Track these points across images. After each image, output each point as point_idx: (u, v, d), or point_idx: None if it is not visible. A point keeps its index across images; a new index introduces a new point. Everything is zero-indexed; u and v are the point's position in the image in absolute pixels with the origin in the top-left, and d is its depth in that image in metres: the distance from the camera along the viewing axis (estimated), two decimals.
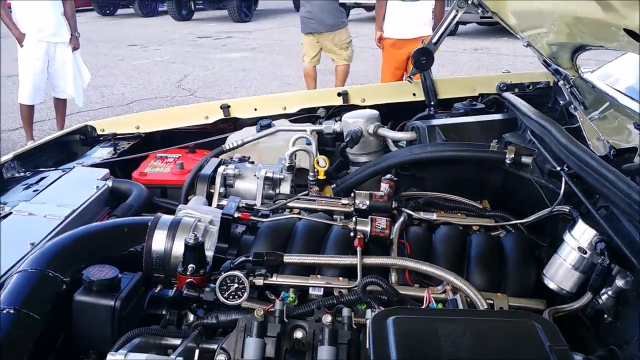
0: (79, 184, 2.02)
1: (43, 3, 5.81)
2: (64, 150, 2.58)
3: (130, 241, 1.52)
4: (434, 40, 2.60)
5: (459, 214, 1.74)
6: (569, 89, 2.08)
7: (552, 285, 1.40)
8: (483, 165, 1.93)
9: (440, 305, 1.35)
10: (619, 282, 1.23)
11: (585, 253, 1.34)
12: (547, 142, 1.72)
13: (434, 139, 2.06)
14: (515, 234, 1.64)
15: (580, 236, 1.36)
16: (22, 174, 2.21)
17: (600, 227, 1.34)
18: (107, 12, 18.41)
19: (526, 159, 1.81)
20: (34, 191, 1.97)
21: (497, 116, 2.31)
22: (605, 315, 1.27)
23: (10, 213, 1.77)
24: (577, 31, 1.76)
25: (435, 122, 2.18)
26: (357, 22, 15.08)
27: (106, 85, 9.04)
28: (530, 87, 2.58)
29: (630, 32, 1.31)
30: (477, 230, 1.70)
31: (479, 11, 2.41)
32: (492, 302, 1.38)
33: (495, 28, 12.85)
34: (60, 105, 6.37)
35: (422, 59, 2.56)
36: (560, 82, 2.20)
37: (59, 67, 6.04)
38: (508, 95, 2.34)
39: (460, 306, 1.29)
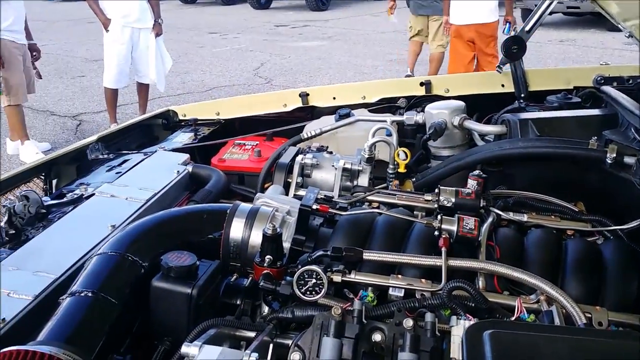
0: (161, 168, 2.03)
1: None
2: (147, 133, 2.63)
3: (208, 228, 1.50)
4: (527, 28, 2.44)
5: (553, 217, 1.61)
6: None
7: None
8: (580, 164, 1.78)
9: (532, 317, 1.24)
10: None
11: None
12: None
13: (526, 133, 1.92)
14: (616, 241, 1.50)
15: None
16: (105, 155, 2.26)
17: None
18: (189, 0, 18.89)
19: (629, 159, 1.65)
20: (116, 173, 2.00)
21: (595, 111, 2.13)
22: None
23: (93, 194, 1.80)
24: None
25: (527, 115, 2.04)
26: None
27: (187, 72, 9.27)
28: (630, 81, 2.37)
29: None
30: (572, 235, 1.57)
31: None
32: (590, 316, 1.26)
33: (582, 19, 12.19)
34: (143, 90, 6.58)
35: (514, 47, 2.42)
36: None
37: (143, 53, 6.24)
38: (607, 88, 2.16)
39: (557, 319, 1.18)
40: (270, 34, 13.00)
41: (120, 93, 6.52)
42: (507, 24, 5.72)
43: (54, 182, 2.19)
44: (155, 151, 2.24)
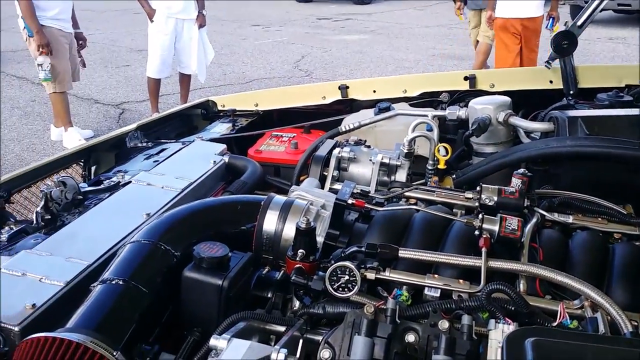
0: (197, 157, 2.02)
1: None
2: (186, 123, 2.64)
3: (242, 219, 1.48)
4: (579, 23, 2.34)
5: (599, 219, 1.53)
6: None
7: None
8: (630, 165, 1.69)
9: (575, 323, 1.18)
10: None
11: None
12: None
13: (575, 132, 1.83)
14: None
15: None
16: (144, 144, 2.27)
17: None
18: None
19: None
20: (154, 162, 2.00)
21: None
22: None
23: (130, 182, 1.80)
24: None
25: (576, 113, 1.94)
26: None
27: (228, 64, 9.32)
28: None
29: None
30: (619, 239, 1.49)
31: None
32: (637, 324, 1.18)
33: (633, 17, 11.74)
34: (185, 80, 6.65)
35: (564, 43, 2.32)
36: None
37: (186, 44, 6.30)
38: None
39: (602, 326, 1.11)
40: (312, 27, 12.97)
41: (162, 83, 6.60)
42: (551, 19, 5.70)
43: (93, 168, 2.22)
44: (193, 141, 2.24)
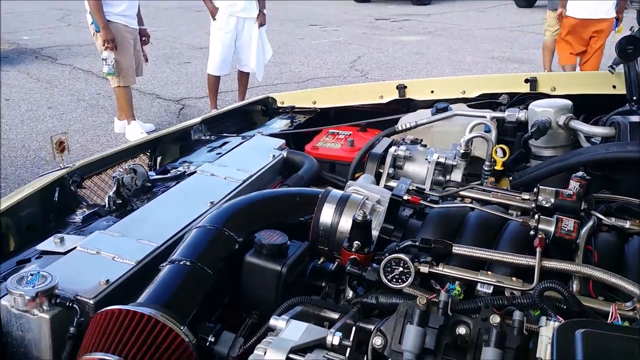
0: (258, 151, 2.10)
1: None
2: (246, 118, 2.73)
3: (300, 211, 1.54)
4: None
5: None
6: None
7: None
8: None
9: (626, 323, 1.18)
10: None
11: None
12: None
13: (636, 137, 1.81)
14: None
15: None
16: (207, 137, 2.37)
17: None
18: None
19: None
20: (217, 154, 2.09)
21: None
22: None
23: (195, 172, 1.90)
24: None
25: (638, 118, 1.91)
26: (544, 9, 14.05)
27: (285, 63, 9.46)
28: None
29: None
30: None
31: None
32: None
33: None
34: (244, 78, 6.79)
35: (629, 47, 2.27)
36: None
37: (246, 42, 6.43)
38: None
39: None
40: (369, 28, 12.98)
41: (221, 80, 6.77)
42: (615, 20, 5.61)
43: (159, 159, 2.33)
44: (254, 135, 2.32)
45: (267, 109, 2.75)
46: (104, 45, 5.47)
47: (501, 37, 11.18)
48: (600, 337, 0.88)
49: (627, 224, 1.51)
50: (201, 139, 2.36)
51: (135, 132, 5.94)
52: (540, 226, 1.35)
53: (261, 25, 6.42)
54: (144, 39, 6.12)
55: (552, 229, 1.34)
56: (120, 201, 1.69)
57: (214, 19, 6.33)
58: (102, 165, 2.03)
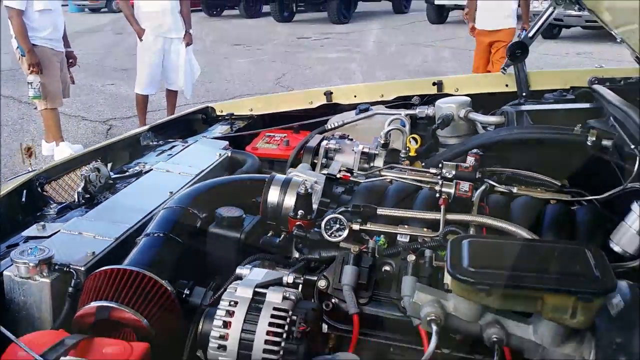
0: (205, 151, 2.36)
1: (162, 2, 6.39)
2: (188, 127, 2.97)
3: (251, 193, 1.82)
4: (530, 35, 2.75)
5: (539, 190, 1.90)
6: None
7: (617, 248, 1.53)
8: (566, 147, 2.07)
9: None
10: None
11: None
12: (626, 125, 1.85)
13: (521, 123, 2.22)
14: (588, 206, 1.78)
15: None
16: (155, 142, 2.60)
17: None
18: (214, 12, 19.42)
19: (606, 142, 1.93)
20: (168, 155, 2.33)
21: (584, 105, 2.43)
22: None
23: (151, 169, 2.14)
24: None
25: (523, 107, 2.34)
26: (455, 24, 15.03)
27: (211, 81, 9.67)
28: (622, 82, 2.65)
29: None
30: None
31: (575, 8, 2.52)
32: None
33: (600, 32, 12.38)
34: (172, 96, 6.91)
35: (517, 51, 2.72)
36: None
37: (173, 61, 6.57)
38: (597, 86, 2.45)
39: None
40: (292, 46, 13.41)
41: (149, 99, 6.88)
42: (523, 31, 6.28)
43: (109, 165, 2.53)
44: (199, 139, 2.57)
45: (208, 117, 3.00)
46: (29, 69, 5.49)
47: (416, 52, 11.88)
48: (479, 242, 1.22)
49: (515, 190, 1.89)
50: (149, 145, 2.59)
51: (64, 153, 5.92)
52: (444, 189, 1.70)
53: (188, 44, 6.61)
54: (70, 60, 6.16)
55: (452, 190, 1.69)
56: (88, 196, 1.91)
57: (141, 40, 6.46)
58: (63, 170, 2.22)
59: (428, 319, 1.17)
